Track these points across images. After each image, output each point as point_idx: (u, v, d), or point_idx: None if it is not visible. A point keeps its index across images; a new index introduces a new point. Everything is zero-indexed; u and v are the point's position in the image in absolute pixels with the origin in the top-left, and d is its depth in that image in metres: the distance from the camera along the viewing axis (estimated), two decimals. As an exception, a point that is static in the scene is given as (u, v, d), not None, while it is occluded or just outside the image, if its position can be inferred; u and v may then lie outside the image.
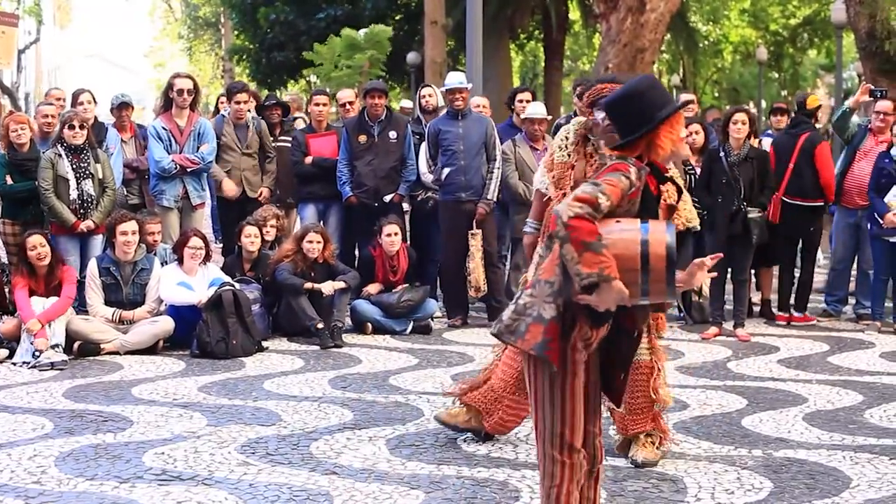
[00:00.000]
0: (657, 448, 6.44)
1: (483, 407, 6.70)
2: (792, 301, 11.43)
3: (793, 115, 11.97)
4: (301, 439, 6.90)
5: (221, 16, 51.21)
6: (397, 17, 34.23)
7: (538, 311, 4.26)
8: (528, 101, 11.73)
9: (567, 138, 6.44)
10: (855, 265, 11.66)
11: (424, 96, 12.28)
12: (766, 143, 11.99)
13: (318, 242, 10.43)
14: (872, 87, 11.48)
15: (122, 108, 11.69)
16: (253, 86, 35.11)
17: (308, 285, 10.25)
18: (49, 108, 11.17)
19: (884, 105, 11.40)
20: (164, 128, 11.06)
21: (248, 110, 11.90)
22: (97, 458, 6.49)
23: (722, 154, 10.49)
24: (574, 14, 38.07)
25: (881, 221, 10.66)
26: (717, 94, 54.33)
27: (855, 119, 11.29)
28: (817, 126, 12.36)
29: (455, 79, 11.28)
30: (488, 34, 19.45)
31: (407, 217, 11.84)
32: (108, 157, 10.72)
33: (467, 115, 11.04)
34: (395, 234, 10.83)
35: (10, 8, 38.27)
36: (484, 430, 6.77)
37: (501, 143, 11.11)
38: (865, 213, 11.05)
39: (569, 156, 6.39)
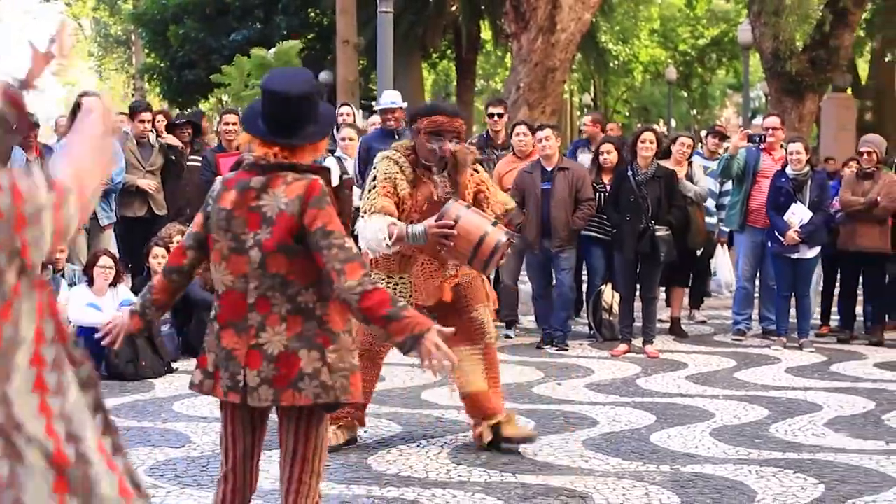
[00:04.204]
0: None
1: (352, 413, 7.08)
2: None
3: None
4: (211, 461, 6.85)
5: (132, 34, 50.70)
6: (310, 37, 34.15)
7: (349, 361, 4.24)
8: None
9: (402, 169, 6.79)
10: (757, 283, 11.86)
11: (342, 114, 12.34)
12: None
13: None
14: (750, 133, 11.73)
15: (30, 127, 11.54)
16: (164, 105, 34.94)
17: (220, 301, 10.17)
18: None
19: (771, 121, 11.70)
20: (71, 147, 10.92)
21: (151, 130, 11.83)
22: (1, 482, 6.38)
23: (630, 173, 10.60)
24: (486, 34, 38.28)
25: (782, 239, 10.85)
26: (627, 113, 54.95)
27: (742, 153, 11.41)
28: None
29: (388, 98, 11.29)
30: (400, 53, 19.51)
31: None
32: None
33: (402, 135, 11.01)
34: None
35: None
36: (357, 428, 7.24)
37: None
38: (766, 232, 11.23)
39: (408, 184, 6.75)
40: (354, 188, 11.33)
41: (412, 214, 6.71)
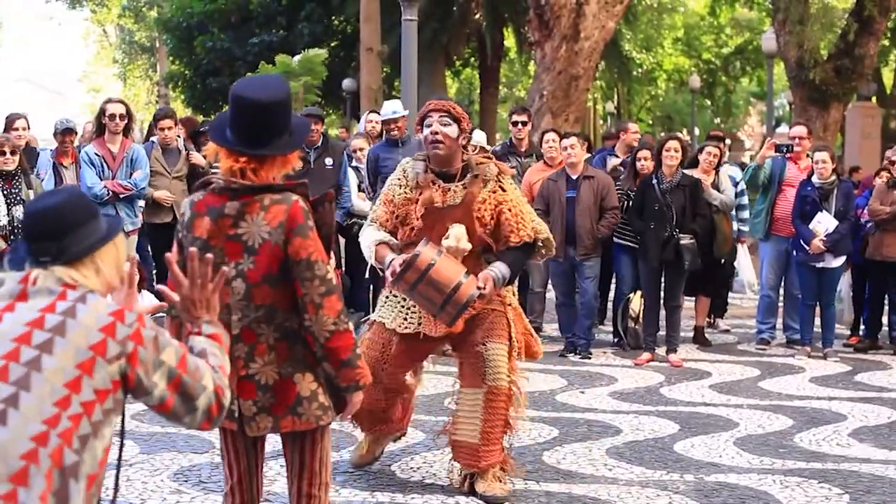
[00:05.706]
0: (503, 482, 6.35)
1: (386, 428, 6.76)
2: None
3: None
4: (234, 467, 6.86)
5: (156, 41, 50.91)
6: (333, 44, 34.21)
7: None
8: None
9: (405, 174, 6.39)
10: (782, 291, 11.82)
11: (371, 122, 12.43)
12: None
13: None
14: (778, 143, 11.63)
15: (65, 133, 11.61)
16: (188, 112, 35.05)
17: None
18: None
19: (798, 130, 11.63)
20: (96, 154, 10.98)
21: (178, 136, 11.86)
22: (27, 487, 6.41)
23: (654, 181, 10.59)
24: (509, 42, 38.33)
25: (807, 248, 10.80)
26: (651, 122, 54.85)
27: (768, 162, 11.39)
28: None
29: (389, 108, 11.35)
30: (424, 61, 19.49)
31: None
32: (40, 182, 10.63)
33: (407, 143, 11.02)
34: (330, 260, 10.79)
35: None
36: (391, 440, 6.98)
37: None
38: (790, 240, 11.19)
39: (411, 190, 6.31)
40: (356, 200, 11.35)
41: (413, 221, 6.29)
